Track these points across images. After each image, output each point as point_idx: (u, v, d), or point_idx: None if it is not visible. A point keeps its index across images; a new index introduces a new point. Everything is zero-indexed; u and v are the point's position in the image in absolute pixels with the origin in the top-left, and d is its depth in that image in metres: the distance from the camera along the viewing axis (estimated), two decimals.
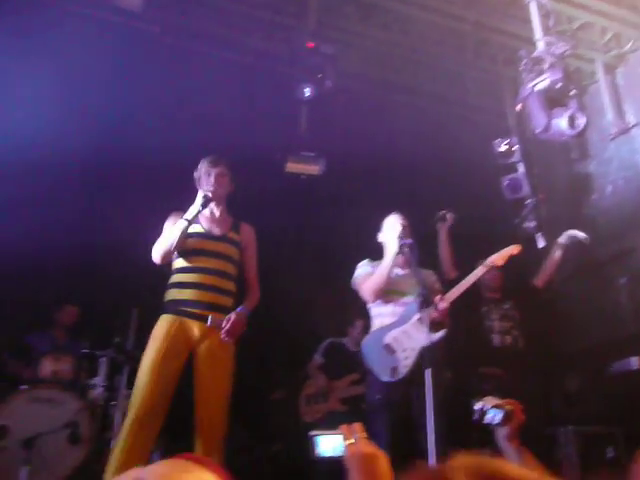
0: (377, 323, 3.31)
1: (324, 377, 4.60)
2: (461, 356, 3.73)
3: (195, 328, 2.84)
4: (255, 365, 4.70)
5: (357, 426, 1.33)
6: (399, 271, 3.35)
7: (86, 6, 4.56)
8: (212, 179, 3.06)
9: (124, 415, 3.77)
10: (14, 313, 4.10)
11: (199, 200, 2.95)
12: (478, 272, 3.26)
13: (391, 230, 3.28)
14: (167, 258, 2.95)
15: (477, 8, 4.39)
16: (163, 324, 2.84)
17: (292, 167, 4.47)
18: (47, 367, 3.92)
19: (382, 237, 3.43)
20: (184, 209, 2.97)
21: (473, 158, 4.98)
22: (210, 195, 2.96)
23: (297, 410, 4.61)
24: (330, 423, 4.39)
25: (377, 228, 3.44)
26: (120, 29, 4.58)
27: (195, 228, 3.02)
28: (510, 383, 3.49)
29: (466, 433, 3.20)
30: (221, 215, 3.15)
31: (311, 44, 4.24)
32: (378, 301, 3.31)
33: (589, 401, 4.23)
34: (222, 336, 2.81)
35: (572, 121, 3.56)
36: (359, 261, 3.44)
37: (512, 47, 4.60)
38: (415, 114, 4.93)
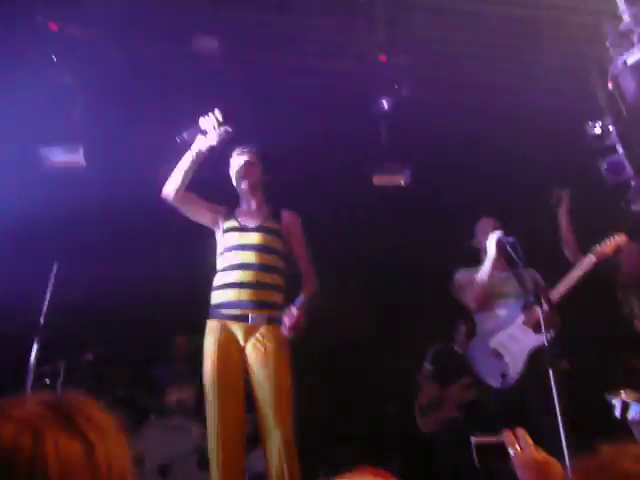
0: (481, 328, 3.24)
1: (435, 385, 4.53)
2: (599, 349, 3.50)
3: (239, 331, 2.70)
4: (365, 380, 4.72)
5: (521, 431, 1.24)
6: (499, 274, 3.26)
7: (167, 58, 4.90)
8: (242, 169, 2.92)
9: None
10: (139, 348, 4.39)
11: (199, 144, 2.78)
12: (585, 265, 3.09)
13: (487, 233, 3.21)
14: (177, 195, 2.82)
15: None
16: (209, 336, 2.72)
17: (379, 180, 4.50)
18: (172, 396, 4.17)
19: (477, 242, 3.36)
20: None
21: (567, 146, 4.76)
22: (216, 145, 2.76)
23: (413, 422, 4.56)
24: (448, 431, 4.29)
25: (470, 234, 3.37)
26: (201, 74, 4.88)
27: (230, 223, 2.90)
28: None
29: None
30: (258, 207, 2.97)
31: (383, 57, 4.30)
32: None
33: None
34: (286, 333, 2.59)
35: None
36: (456, 268, 3.38)
37: (592, 25, 4.39)
38: (497, 110, 4.80)
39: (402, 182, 4.60)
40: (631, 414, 1.73)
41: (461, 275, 3.34)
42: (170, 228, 4.18)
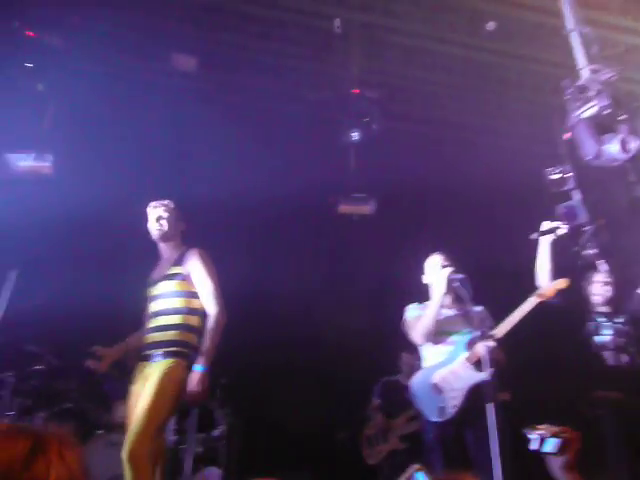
0: (426, 363, 3.32)
1: (382, 417, 4.60)
2: (566, 379, 3.59)
3: (146, 368, 2.92)
4: (319, 406, 4.76)
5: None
6: (447, 311, 3.36)
7: (145, 72, 4.96)
8: (152, 222, 3.13)
9: (194, 457, 3.92)
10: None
11: None
12: (528, 305, 3.21)
13: (436, 270, 3.30)
14: None
15: (517, 41, 4.44)
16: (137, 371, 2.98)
17: (344, 209, 4.60)
18: (118, 412, 4.13)
19: (427, 279, 3.44)
20: None
21: (526, 189, 4.94)
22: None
23: (359, 452, 4.61)
24: (392, 463, 4.35)
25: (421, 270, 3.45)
26: (176, 90, 4.94)
27: (149, 279, 3.16)
28: (631, 407, 3.32)
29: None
30: (170, 255, 3.15)
31: (356, 90, 4.42)
32: (429, 342, 3.33)
33: None
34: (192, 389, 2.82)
35: (624, 145, 3.49)
36: (409, 302, 3.46)
37: (557, 76, 4.60)
38: (464, 149, 4.97)
39: (367, 211, 4.69)
40: (546, 448, 1.81)
41: (411, 310, 3.42)
42: (132, 241, 4.20)
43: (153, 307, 3.05)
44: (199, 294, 3.05)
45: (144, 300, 3.19)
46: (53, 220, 4.29)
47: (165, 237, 3.15)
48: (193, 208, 3.59)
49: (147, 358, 2.94)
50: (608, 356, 3.46)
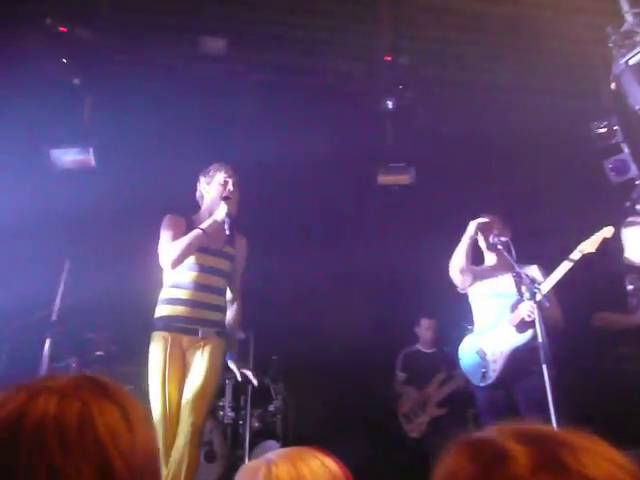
0: (476, 328, 3.33)
1: (414, 389, 4.60)
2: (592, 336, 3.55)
3: (185, 340, 2.89)
4: (369, 376, 4.79)
5: None
6: (496, 273, 3.33)
7: (173, 57, 4.97)
8: (231, 188, 3.03)
9: (252, 432, 4.03)
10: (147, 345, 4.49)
11: (221, 214, 2.91)
12: (569, 262, 3.12)
13: (484, 231, 3.28)
14: (177, 265, 2.91)
15: None
16: (159, 345, 2.87)
17: (383, 179, 4.55)
18: None
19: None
20: None
21: (572, 145, 4.78)
22: (232, 215, 2.93)
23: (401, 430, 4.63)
24: (437, 431, 4.37)
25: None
26: (207, 73, 4.94)
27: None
28: None
29: None
30: (221, 228, 3.01)
31: (389, 57, 4.33)
32: (479, 307, 3.32)
33: None
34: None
35: None
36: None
37: (599, 24, 4.39)
38: (503, 110, 4.82)
39: (407, 181, 4.64)
40: None
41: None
42: None
43: (206, 279, 2.98)
44: (234, 279, 3.15)
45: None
46: (100, 210, 4.41)
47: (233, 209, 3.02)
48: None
49: (190, 331, 2.91)
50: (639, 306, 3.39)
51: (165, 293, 2.99)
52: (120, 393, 0.85)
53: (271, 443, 4.07)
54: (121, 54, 4.71)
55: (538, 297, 2.84)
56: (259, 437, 4.15)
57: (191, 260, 2.95)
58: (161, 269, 3.01)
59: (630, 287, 3.46)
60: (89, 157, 4.36)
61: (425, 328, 4.70)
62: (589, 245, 3.10)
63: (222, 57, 4.96)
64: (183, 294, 2.93)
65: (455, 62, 4.81)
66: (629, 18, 3.61)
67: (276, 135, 4.63)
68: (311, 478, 1.09)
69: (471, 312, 3.42)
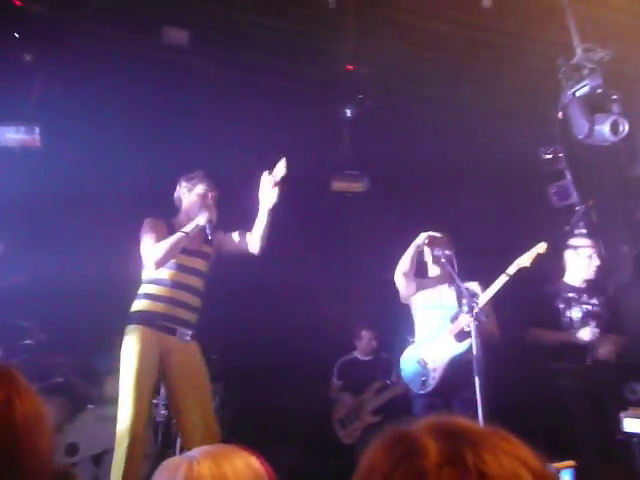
0: (418, 338, 3.41)
1: (349, 395, 4.65)
2: (531, 352, 3.69)
3: (165, 340, 2.95)
4: (309, 380, 4.79)
5: None
6: (438, 285, 3.44)
7: (134, 46, 4.85)
8: (212, 202, 3.19)
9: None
10: (81, 336, 4.33)
11: (202, 220, 3.03)
12: (505, 275, 3.26)
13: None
14: (160, 266, 3.00)
15: (512, 19, 4.40)
16: (137, 338, 2.91)
17: (337, 186, 4.59)
18: (111, 386, 4.13)
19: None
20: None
21: (519, 168, 4.96)
22: (214, 222, 3.06)
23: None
24: (370, 438, 4.40)
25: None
26: (167, 65, 4.85)
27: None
28: (591, 378, 3.45)
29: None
30: (199, 230, 3.16)
31: (350, 67, 4.38)
32: (421, 317, 3.40)
33: None
34: None
35: (615, 127, 3.52)
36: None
37: (552, 54, 4.59)
38: (457, 128, 4.96)
39: (360, 189, 4.69)
40: None
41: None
42: (123, 215, 4.17)
43: (184, 278, 3.05)
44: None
45: (133, 274, 3.16)
46: (41, 193, 4.23)
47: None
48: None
49: (169, 330, 2.96)
50: (573, 331, 3.57)
51: (143, 289, 3.07)
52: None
53: None
54: (79, 35, 4.56)
55: (475, 310, 2.93)
56: None
57: (175, 261, 3.06)
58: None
59: (562, 306, 3.63)
60: (35, 137, 4.18)
61: (366, 339, 4.74)
62: (524, 260, 3.26)
63: (184, 49, 4.89)
64: (161, 291, 3.01)
65: (415, 77, 4.91)
66: (578, 52, 3.80)
67: (231, 133, 4.60)
68: (233, 476, 1.07)
69: (412, 323, 3.50)
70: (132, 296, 3.15)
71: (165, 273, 3.02)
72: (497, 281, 3.20)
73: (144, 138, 4.70)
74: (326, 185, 4.55)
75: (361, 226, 5.04)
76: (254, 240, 3.15)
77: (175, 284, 3.00)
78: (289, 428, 4.76)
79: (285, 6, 4.61)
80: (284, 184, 3.16)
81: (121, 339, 2.99)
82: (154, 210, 3.34)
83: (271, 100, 4.74)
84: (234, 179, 4.62)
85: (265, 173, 3.08)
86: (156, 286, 3.03)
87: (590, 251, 3.78)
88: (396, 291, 3.52)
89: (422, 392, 3.21)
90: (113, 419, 3.86)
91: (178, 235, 2.99)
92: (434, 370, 3.20)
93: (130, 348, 2.90)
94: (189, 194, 3.23)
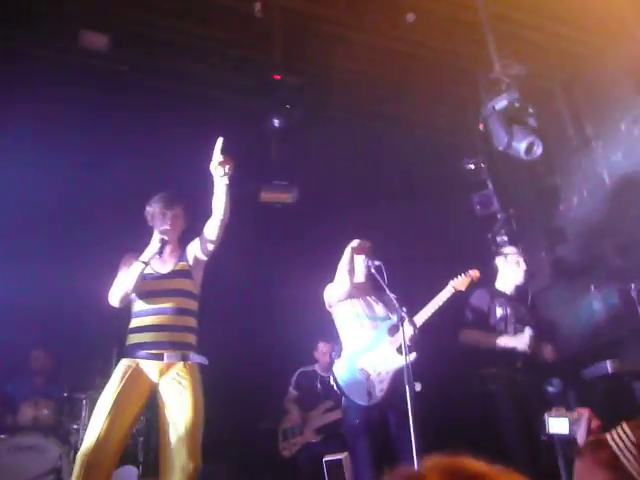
0: (349, 348, 3.37)
1: (297, 410, 4.62)
2: (462, 359, 3.74)
3: (153, 368, 2.85)
4: (243, 396, 4.69)
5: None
6: (368, 296, 3.44)
7: (53, 50, 4.61)
8: (168, 221, 3.05)
9: None
10: None
11: (155, 243, 2.95)
12: (442, 296, 3.33)
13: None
14: (124, 301, 2.96)
15: (433, 33, 4.54)
16: (120, 368, 2.84)
17: (266, 197, 4.53)
18: (27, 413, 3.87)
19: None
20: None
21: (443, 177, 5.11)
22: (167, 239, 2.96)
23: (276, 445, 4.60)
24: (306, 456, 4.37)
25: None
26: (87, 70, 4.64)
27: (146, 270, 3.02)
28: (520, 382, 3.52)
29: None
30: (171, 251, 3.13)
31: (277, 76, 4.34)
32: (350, 326, 3.38)
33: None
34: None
35: (530, 148, 3.70)
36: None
37: (472, 69, 4.77)
38: (383, 139, 5.04)
39: (289, 200, 4.65)
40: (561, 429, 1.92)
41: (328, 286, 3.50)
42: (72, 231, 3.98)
43: (165, 302, 2.95)
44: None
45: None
46: None
47: (174, 238, 3.10)
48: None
49: (156, 356, 2.86)
50: (508, 335, 3.66)
51: (131, 323, 3.02)
52: None
53: (127, 469, 3.80)
54: None
55: (406, 323, 2.96)
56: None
57: (146, 288, 2.98)
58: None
59: (499, 310, 3.72)
60: None
61: (322, 352, 4.69)
62: (460, 284, 3.33)
63: (104, 54, 4.69)
64: (143, 321, 2.96)
65: (343, 88, 4.95)
66: (497, 67, 3.97)
67: (155, 142, 4.45)
68: None
69: (336, 331, 3.47)
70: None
71: (144, 303, 2.97)
72: (432, 302, 3.26)
73: (67, 145, 4.48)
74: (255, 196, 4.47)
75: (292, 237, 5.00)
76: (214, 222, 3.06)
77: (155, 310, 2.94)
78: (219, 445, 4.63)
79: (212, 12, 4.53)
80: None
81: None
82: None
83: (197, 109, 4.63)
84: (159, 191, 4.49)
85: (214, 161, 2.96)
86: (138, 318, 2.98)
87: (518, 257, 3.92)
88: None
89: (366, 404, 3.15)
90: (29, 449, 3.64)
91: (135, 265, 2.93)
92: (380, 382, 3.17)
93: (111, 380, 2.82)
94: (152, 219, 3.14)
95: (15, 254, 4.23)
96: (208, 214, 3.06)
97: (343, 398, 3.28)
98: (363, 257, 3.32)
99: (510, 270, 3.91)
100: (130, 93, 4.68)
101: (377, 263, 3.18)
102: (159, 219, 3.08)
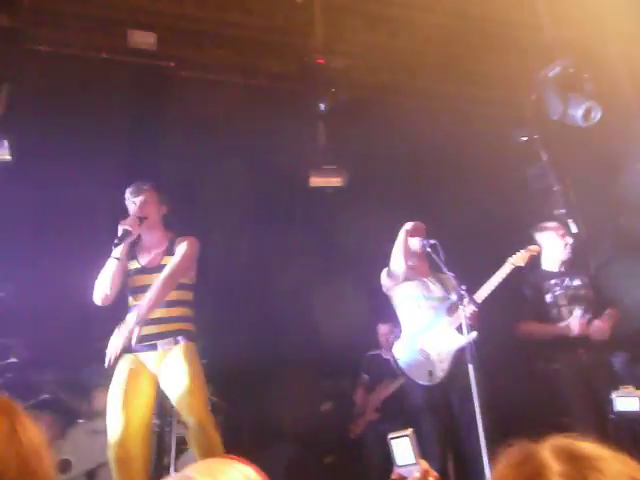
0: (408, 329, 3.36)
1: (362, 393, 4.67)
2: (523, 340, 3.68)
3: (151, 359, 2.93)
4: (304, 378, 4.76)
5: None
6: (425, 278, 3.41)
7: (101, 51, 4.74)
8: (137, 209, 2.98)
9: (178, 440, 3.90)
10: (66, 351, 4.26)
11: (119, 237, 2.86)
12: (502, 272, 3.26)
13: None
14: (107, 300, 2.94)
15: (480, 3, 4.39)
16: (121, 364, 2.90)
17: (315, 181, 4.54)
18: (100, 399, 4.07)
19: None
20: None
21: (495, 153, 4.97)
22: (129, 229, 2.85)
23: (344, 424, 4.65)
24: (373, 435, 4.41)
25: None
26: (136, 68, 4.76)
27: (132, 264, 3.04)
28: (582, 361, 3.45)
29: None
30: (157, 242, 3.08)
31: (321, 60, 4.33)
32: (408, 308, 3.36)
33: None
34: None
35: (588, 114, 3.54)
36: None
37: (522, 37, 4.59)
38: (432, 117, 4.94)
39: (339, 183, 4.65)
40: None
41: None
42: (99, 228, 4.10)
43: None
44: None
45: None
46: (18, 208, 4.14)
47: (150, 226, 3.02)
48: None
49: (150, 347, 2.93)
50: (563, 322, 3.50)
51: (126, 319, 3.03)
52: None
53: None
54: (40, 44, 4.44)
55: (466, 301, 2.93)
56: (186, 445, 4.02)
57: (135, 283, 3.01)
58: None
59: (549, 297, 3.59)
60: (4, 149, 4.04)
61: (382, 333, 4.70)
62: (519, 259, 3.26)
63: (152, 52, 4.80)
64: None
65: (388, 68, 4.88)
66: (549, 34, 3.82)
67: (209, 134, 4.53)
68: None
69: (395, 314, 3.47)
70: (116, 307, 3.10)
71: (134, 299, 3.00)
72: (493, 278, 3.20)
73: (119, 147, 4.61)
74: (304, 182, 4.49)
75: (343, 220, 5.00)
76: None
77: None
78: (282, 428, 4.73)
79: (250, 2, 4.55)
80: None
81: None
82: None
83: (244, 98, 4.68)
84: (216, 179, 4.59)
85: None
86: (130, 314, 2.96)
87: (559, 231, 3.73)
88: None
89: (429, 384, 3.15)
90: (104, 432, 3.84)
91: (108, 262, 2.92)
92: (441, 362, 3.16)
93: (115, 376, 2.91)
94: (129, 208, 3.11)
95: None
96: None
97: (405, 378, 3.29)
98: (418, 238, 3.27)
99: (554, 247, 3.71)
100: (175, 89, 4.74)
101: (433, 242, 3.15)
102: (130, 209, 3.03)
